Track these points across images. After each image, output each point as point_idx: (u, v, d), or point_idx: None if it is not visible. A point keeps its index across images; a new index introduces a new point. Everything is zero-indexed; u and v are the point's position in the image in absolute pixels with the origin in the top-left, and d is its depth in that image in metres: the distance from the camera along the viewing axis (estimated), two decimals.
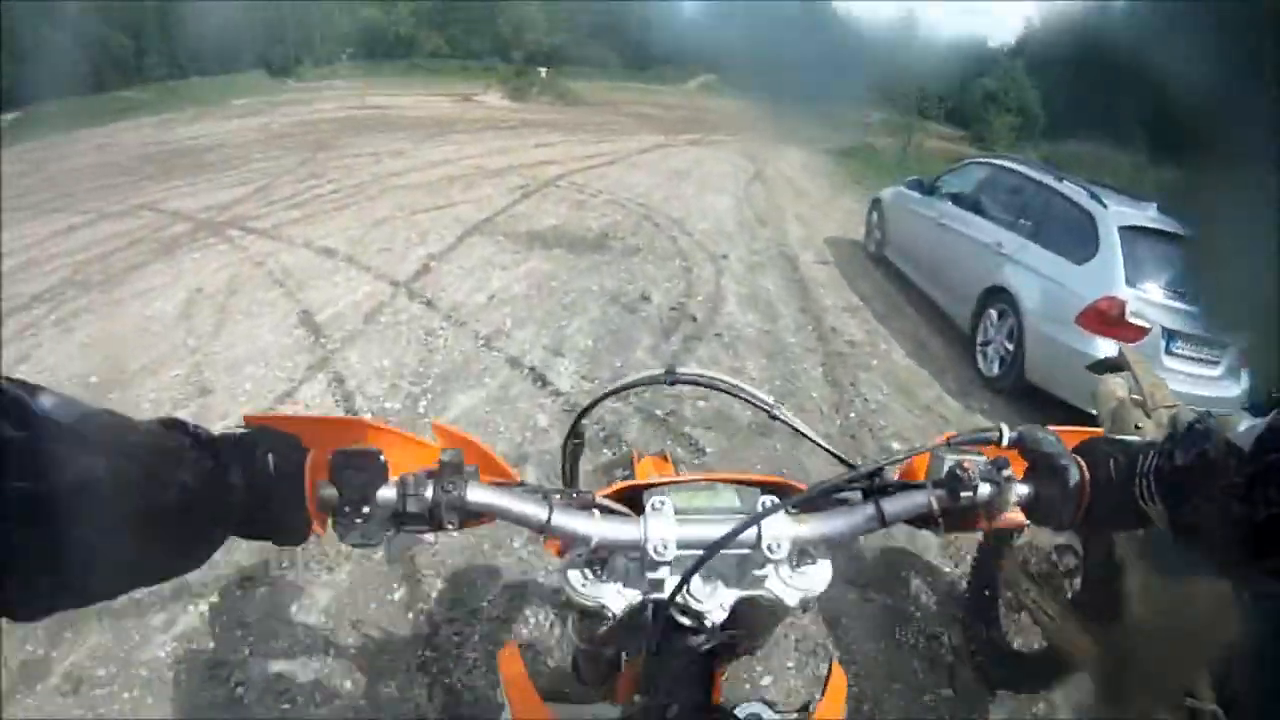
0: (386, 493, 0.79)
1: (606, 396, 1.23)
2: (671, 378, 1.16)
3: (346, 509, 0.77)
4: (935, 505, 0.87)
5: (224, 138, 19.23)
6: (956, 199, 7.58)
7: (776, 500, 0.86)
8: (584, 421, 1.31)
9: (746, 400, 1.18)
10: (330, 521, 0.79)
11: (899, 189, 8.94)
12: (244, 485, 0.71)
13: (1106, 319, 5.09)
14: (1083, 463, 0.85)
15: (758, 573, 0.85)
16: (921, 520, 0.90)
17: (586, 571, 0.87)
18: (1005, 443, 0.89)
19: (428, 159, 13.83)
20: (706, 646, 0.90)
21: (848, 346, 6.21)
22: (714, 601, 0.86)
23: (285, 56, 59.92)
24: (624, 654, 1.12)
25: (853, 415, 4.97)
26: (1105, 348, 4.74)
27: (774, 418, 1.19)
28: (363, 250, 7.76)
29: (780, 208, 12.19)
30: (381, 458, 0.79)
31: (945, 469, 0.86)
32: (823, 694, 1.01)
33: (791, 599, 0.87)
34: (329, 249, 7.72)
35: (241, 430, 0.78)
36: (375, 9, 63.06)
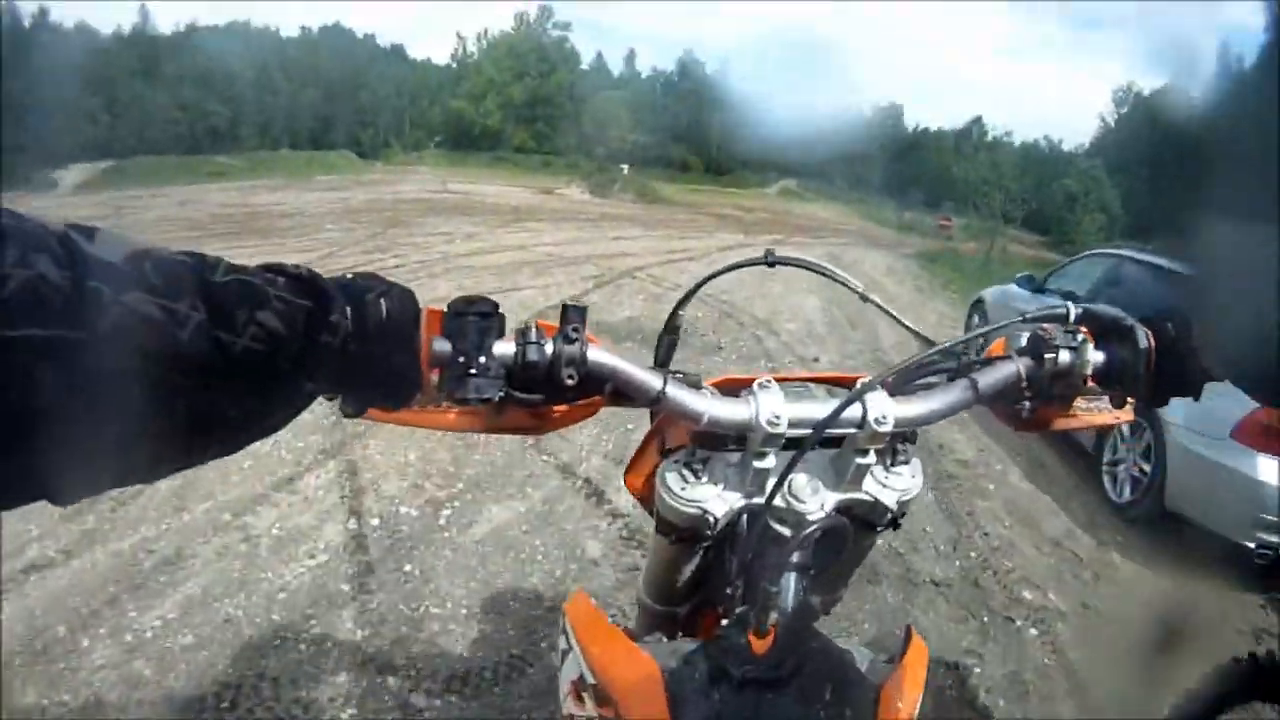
0: (503, 348, 0.75)
1: (708, 280, 1.16)
2: (772, 259, 1.10)
3: (460, 359, 0.72)
4: (1022, 373, 0.87)
5: (302, 207, 19.64)
6: (1072, 298, 6.60)
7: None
8: (680, 313, 1.17)
9: (842, 283, 1.14)
10: (440, 380, 0.74)
11: (1005, 288, 8.13)
12: (351, 332, 0.63)
13: (1271, 432, 4.15)
14: (1145, 328, 0.86)
15: (860, 461, 0.84)
16: (1011, 395, 0.89)
17: (685, 473, 0.86)
18: (1074, 317, 0.88)
19: (501, 243, 13.57)
20: (802, 560, 0.84)
21: (959, 467, 5.25)
22: (815, 501, 0.84)
23: (375, 139, 62.56)
24: (705, 584, 1.05)
25: (974, 554, 4.02)
26: (1267, 467, 4.01)
27: (865, 299, 1.13)
28: None
29: (869, 310, 11.21)
30: (500, 310, 0.76)
31: (1025, 340, 0.89)
32: (903, 655, 0.89)
33: (889, 499, 0.88)
34: None
35: (351, 275, 0.69)
36: (465, 102, 65.54)
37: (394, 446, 4.26)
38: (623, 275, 11.15)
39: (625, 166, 45.50)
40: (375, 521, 3.54)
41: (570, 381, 0.75)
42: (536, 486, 4.04)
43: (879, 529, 0.93)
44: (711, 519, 0.85)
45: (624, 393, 0.82)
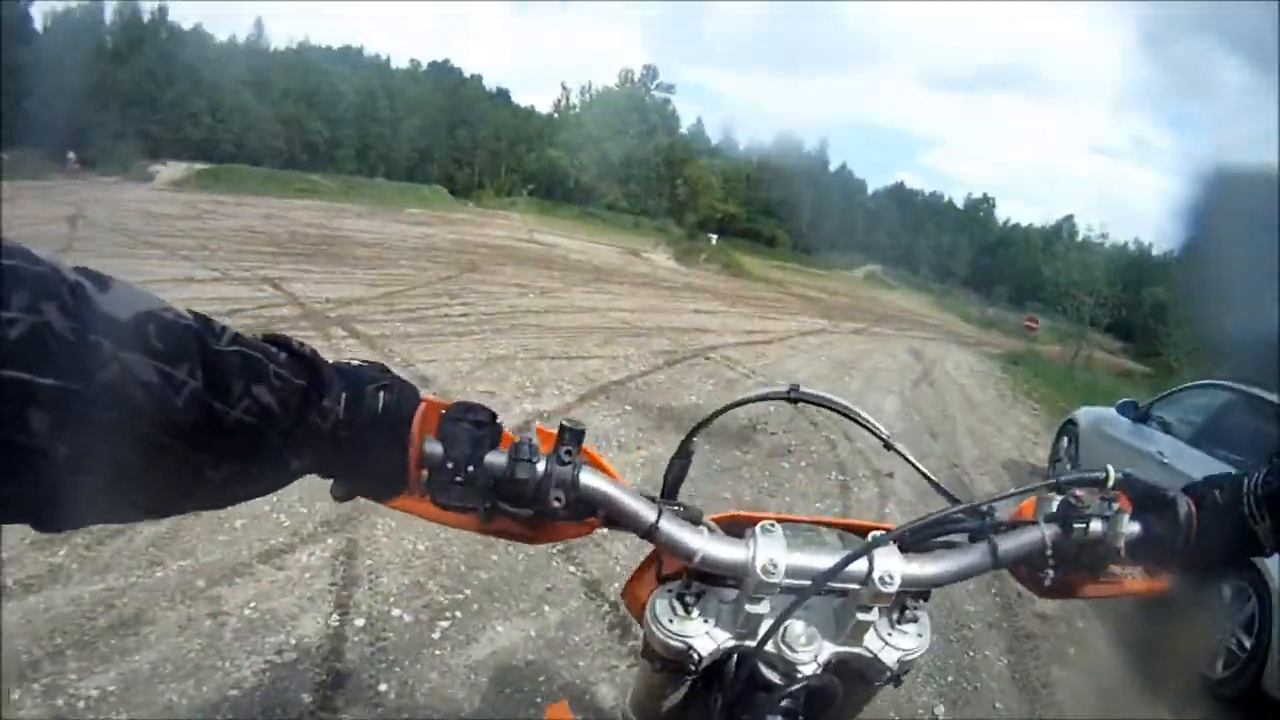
0: (495, 458, 0.73)
1: (728, 409, 1.05)
2: (795, 395, 0.99)
3: (449, 465, 0.72)
4: (1048, 540, 0.82)
5: (384, 237, 20.09)
6: (1175, 430, 6.13)
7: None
8: (694, 440, 1.01)
9: (863, 425, 1.04)
10: (427, 479, 0.73)
11: (1102, 413, 7.49)
12: (343, 419, 0.66)
13: None
14: (1188, 497, 0.84)
15: (861, 617, 0.80)
16: (1034, 563, 0.84)
17: (676, 605, 0.81)
18: (1112, 483, 0.83)
19: (576, 303, 13.38)
20: (790, 708, 0.81)
21: (1038, 622, 4.62)
22: (810, 651, 0.80)
23: (470, 178, 63.84)
24: (690, 716, 0.96)
25: None
26: None
27: (889, 447, 1.02)
28: (462, 386, 6.80)
29: (950, 417, 10.75)
30: (499, 420, 0.75)
31: (1056, 505, 0.84)
32: None
33: (890, 658, 0.82)
34: (425, 377, 6.82)
35: (355, 362, 0.73)
36: (561, 152, 66.63)
37: (404, 531, 3.76)
38: (696, 354, 10.70)
39: (714, 236, 45.79)
40: (360, 622, 3.05)
41: (557, 504, 0.73)
42: (555, 604, 3.46)
43: (876, 684, 0.86)
44: (696, 655, 0.80)
45: (616, 521, 0.79)
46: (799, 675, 0.78)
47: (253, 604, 3.06)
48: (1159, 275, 54.78)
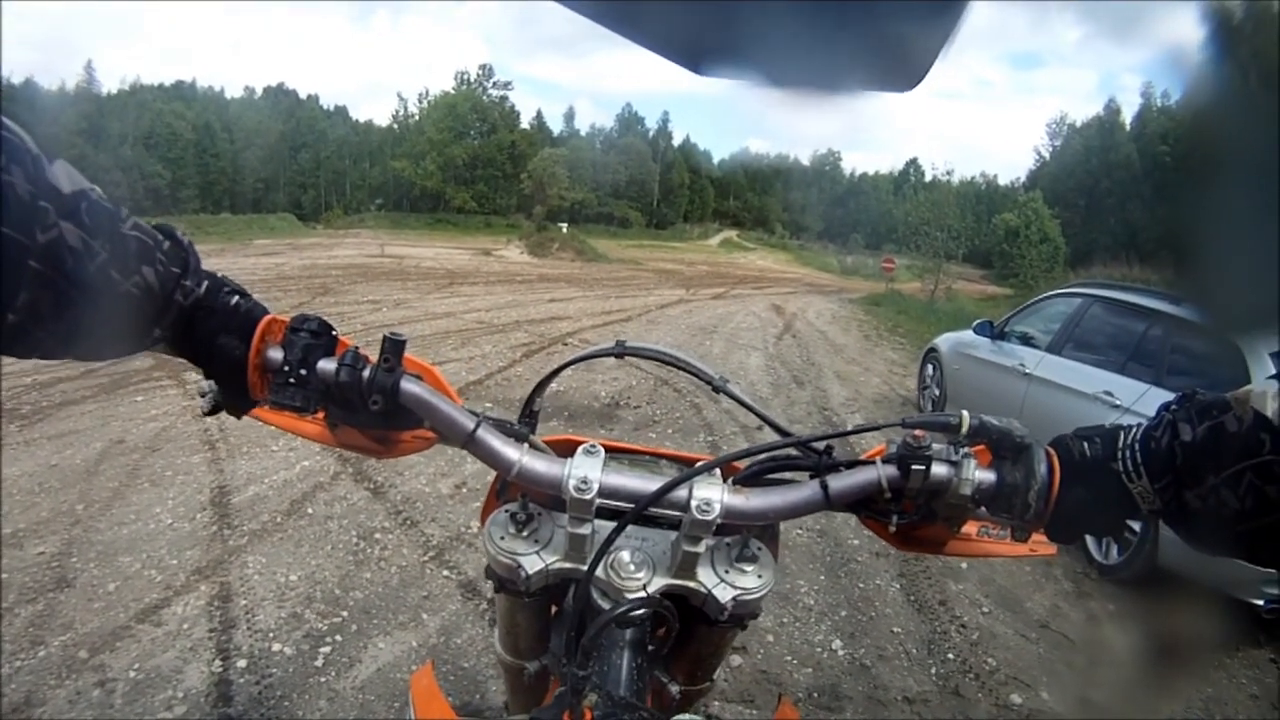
0: (326, 364, 0.79)
1: (562, 369, 1.10)
2: (621, 349, 1.04)
3: (285, 368, 0.79)
4: (884, 482, 0.79)
5: (235, 274, 19.00)
6: (1035, 341, 6.37)
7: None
8: (538, 398, 1.08)
9: (694, 374, 1.03)
10: (271, 384, 0.80)
11: (960, 336, 7.75)
12: (201, 301, 0.78)
13: None
14: (1052, 449, 0.77)
15: (688, 549, 0.81)
16: (875, 507, 0.83)
17: (509, 524, 0.85)
18: (965, 430, 0.77)
19: (430, 310, 13.29)
20: (635, 638, 0.87)
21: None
22: (637, 580, 0.82)
23: (316, 201, 62.23)
24: (543, 662, 1.05)
25: (951, 656, 3.65)
26: None
27: (719, 390, 1.01)
28: None
29: (816, 364, 11.07)
30: (335, 333, 0.81)
31: (897, 445, 0.80)
32: None
33: (724, 595, 0.83)
34: None
35: (222, 275, 0.82)
36: (405, 162, 65.46)
37: (275, 564, 3.82)
38: (554, 342, 10.82)
39: (564, 225, 45.64)
40: (243, 663, 3.08)
41: (375, 407, 0.78)
42: (433, 612, 3.57)
43: (717, 623, 0.87)
44: (524, 574, 0.84)
45: (438, 430, 0.84)
46: (625, 603, 0.80)
47: (136, 665, 3.04)
48: (1008, 202, 57.25)
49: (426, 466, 5.20)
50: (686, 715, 0.83)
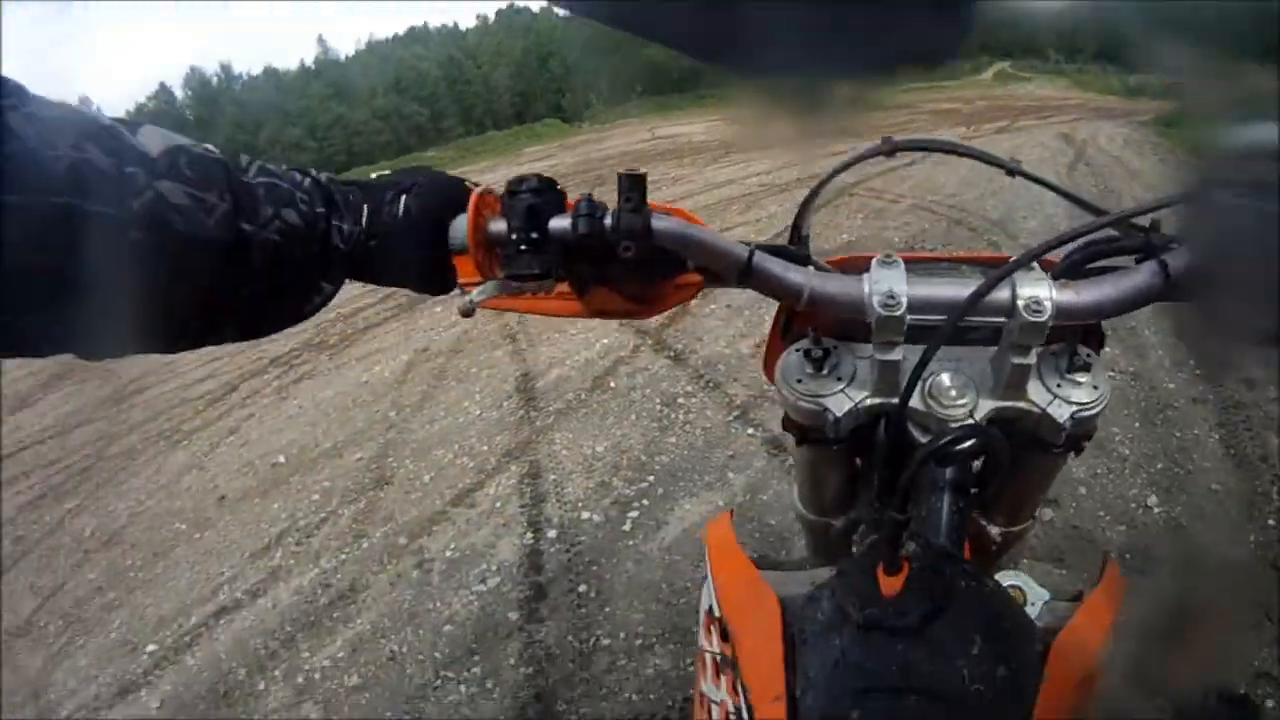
0: (559, 222, 0.67)
1: (830, 178, 0.88)
2: (890, 145, 0.86)
3: (514, 237, 0.67)
4: None
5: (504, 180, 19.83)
6: None
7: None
8: (810, 211, 0.87)
9: (978, 158, 0.85)
10: (503, 260, 0.68)
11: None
12: (362, 236, 0.69)
13: None
14: None
15: (1017, 360, 0.67)
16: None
17: (805, 363, 0.75)
18: None
19: (709, 180, 12.97)
20: (956, 478, 0.73)
21: (1245, 390, 3.94)
22: (962, 406, 0.70)
23: (577, 103, 63.64)
24: (849, 515, 0.94)
25: (1272, 522, 3.00)
26: None
27: (1012, 173, 0.85)
28: None
29: (1115, 191, 9.77)
30: (560, 187, 0.70)
31: None
32: (1097, 585, 0.75)
33: (1061, 413, 0.70)
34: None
35: (390, 171, 0.74)
36: (657, 50, 64.99)
37: (581, 438, 3.76)
38: (840, 193, 10.02)
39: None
40: (553, 534, 3.09)
41: (627, 254, 0.65)
42: (739, 470, 3.38)
43: (1055, 450, 0.74)
44: (832, 417, 0.73)
45: (708, 268, 0.72)
46: (950, 434, 0.64)
47: (452, 545, 3.14)
48: None
49: (725, 329, 5.00)
50: (1012, 572, 0.77)
